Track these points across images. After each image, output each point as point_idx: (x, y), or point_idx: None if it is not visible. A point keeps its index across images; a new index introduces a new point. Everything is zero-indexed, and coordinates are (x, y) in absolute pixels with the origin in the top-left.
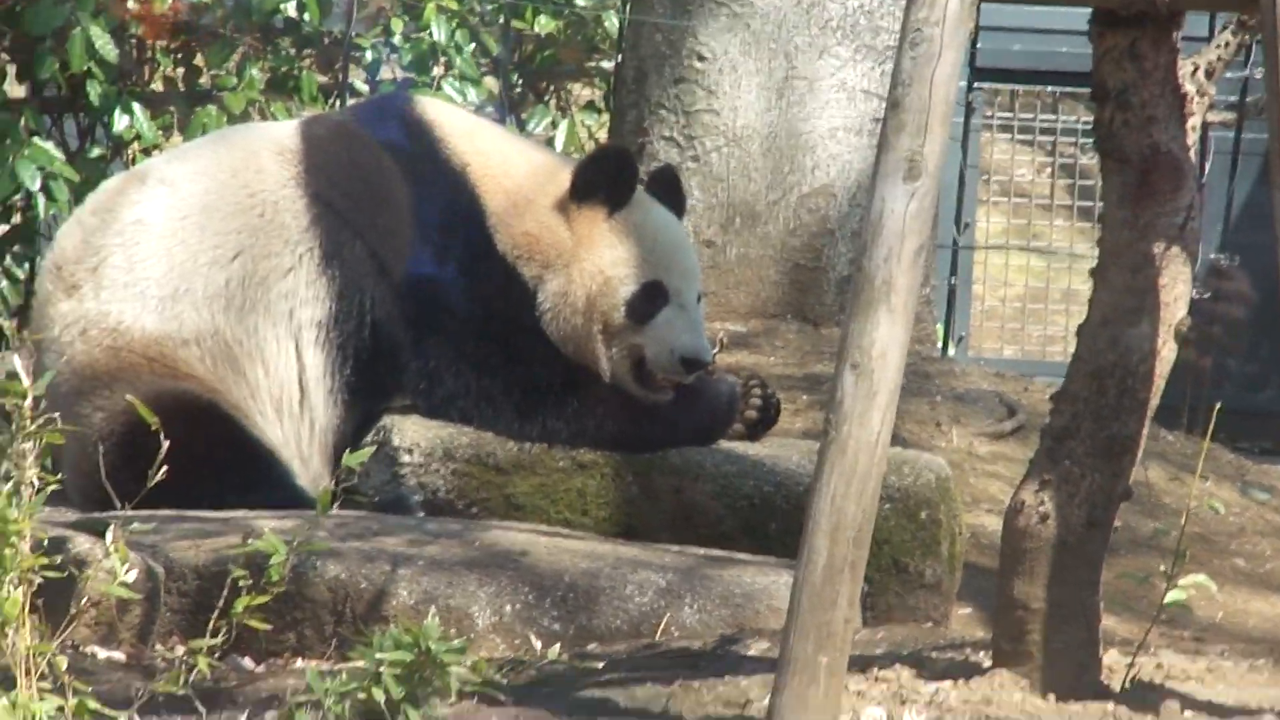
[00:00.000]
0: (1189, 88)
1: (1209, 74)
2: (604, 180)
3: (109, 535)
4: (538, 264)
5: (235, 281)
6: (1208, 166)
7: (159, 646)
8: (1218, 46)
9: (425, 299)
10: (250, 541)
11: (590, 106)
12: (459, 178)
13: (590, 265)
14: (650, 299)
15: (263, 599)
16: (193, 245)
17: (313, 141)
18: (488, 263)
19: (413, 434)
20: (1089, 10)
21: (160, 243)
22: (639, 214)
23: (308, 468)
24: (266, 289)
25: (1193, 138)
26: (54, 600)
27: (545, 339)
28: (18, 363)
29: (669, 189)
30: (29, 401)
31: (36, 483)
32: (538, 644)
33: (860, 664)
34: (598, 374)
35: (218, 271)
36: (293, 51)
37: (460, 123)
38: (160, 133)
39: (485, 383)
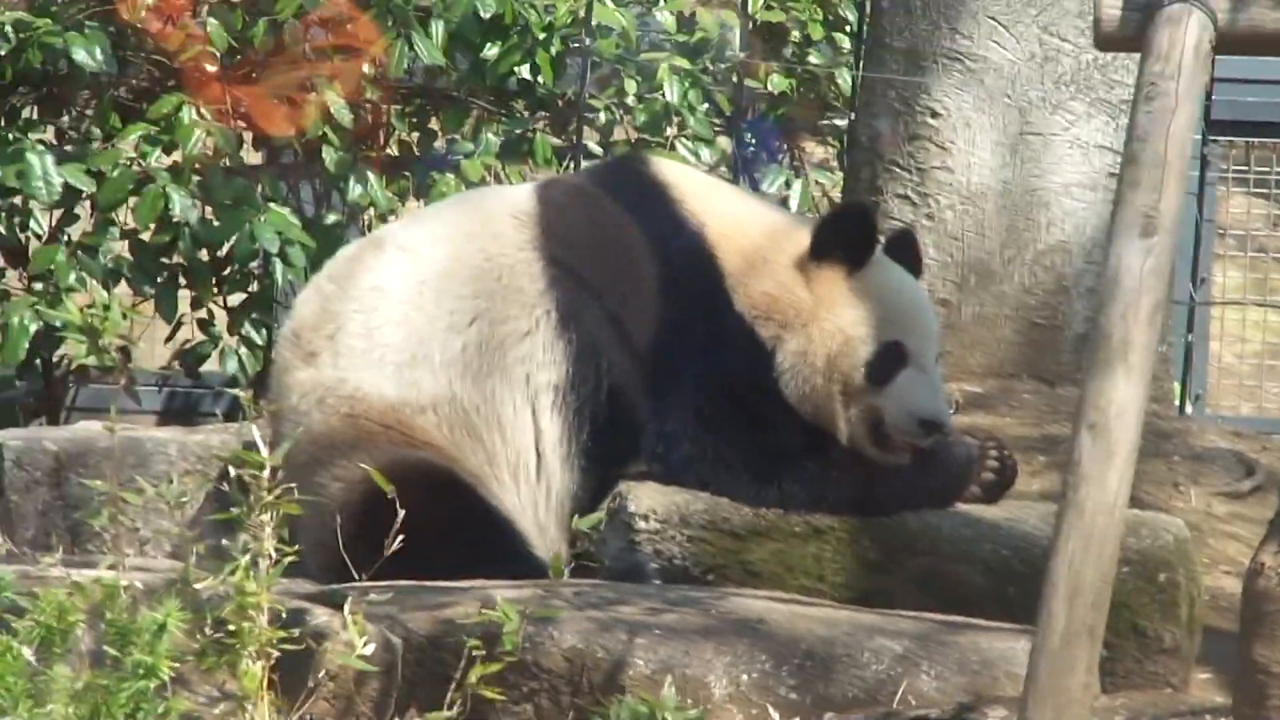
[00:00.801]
0: None
1: None
2: (845, 238)
3: (347, 607)
4: (776, 324)
5: (472, 347)
6: None
7: (397, 719)
8: None
9: (663, 361)
10: (484, 611)
11: (824, 166)
12: (696, 238)
13: (830, 325)
14: (890, 360)
15: (496, 667)
16: (430, 311)
17: (549, 204)
18: (726, 323)
19: (648, 500)
20: None
21: (397, 309)
22: (879, 274)
23: (544, 536)
24: (503, 353)
25: None
26: (291, 673)
27: (782, 401)
28: (255, 432)
29: (907, 250)
30: (266, 472)
31: (274, 554)
32: (775, 714)
33: None
34: (834, 437)
35: (454, 337)
36: (526, 114)
37: (695, 183)
38: (395, 198)
39: (723, 446)
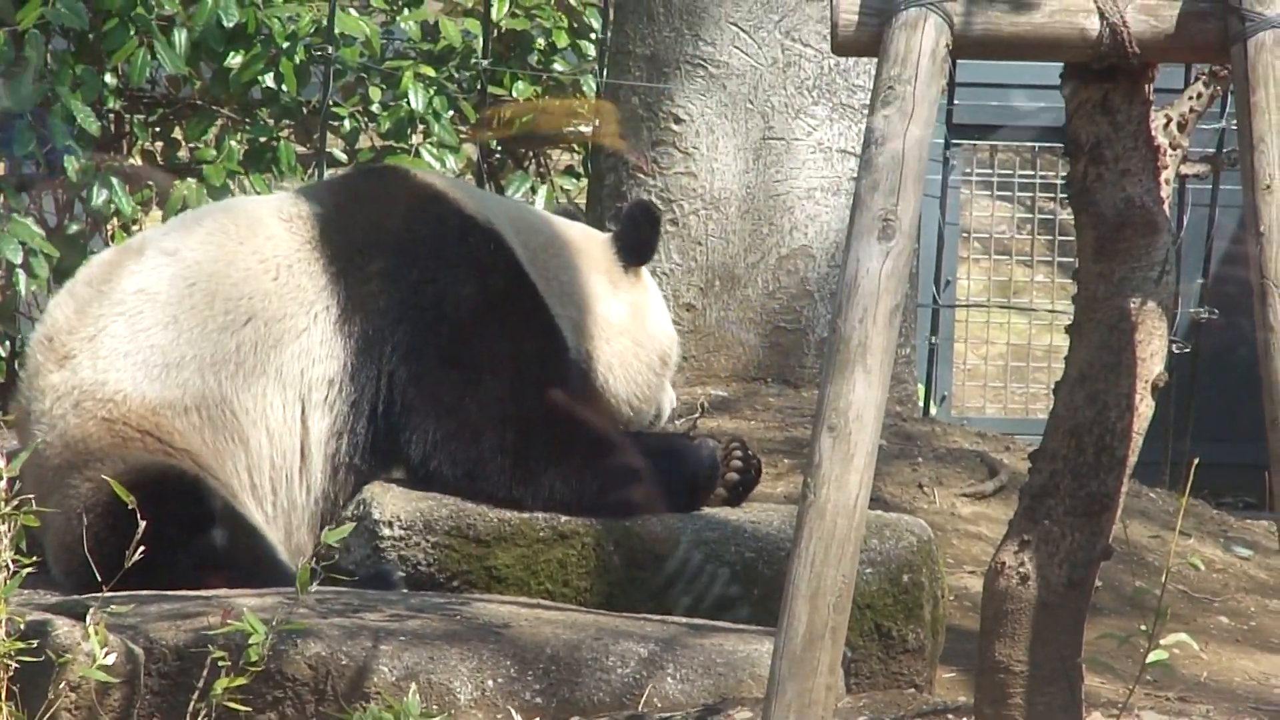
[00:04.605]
0: (1162, 140)
1: (1181, 126)
2: (648, 236)
3: (89, 618)
4: (589, 324)
5: (247, 346)
6: (1185, 219)
7: None
8: (1190, 98)
9: (459, 359)
10: (229, 622)
11: (569, 171)
12: (490, 235)
13: (653, 322)
14: None
15: (240, 681)
16: (203, 312)
17: (322, 204)
18: (532, 320)
19: (392, 507)
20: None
21: (166, 310)
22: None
23: (293, 540)
24: (279, 350)
25: (1167, 190)
26: (32, 684)
27: (542, 400)
28: None
29: None
30: (3, 483)
31: (11, 566)
32: (519, 718)
33: None
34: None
35: (228, 337)
36: (271, 122)
37: (461, 187)
38: (139, 207)
39: (480, 449)
